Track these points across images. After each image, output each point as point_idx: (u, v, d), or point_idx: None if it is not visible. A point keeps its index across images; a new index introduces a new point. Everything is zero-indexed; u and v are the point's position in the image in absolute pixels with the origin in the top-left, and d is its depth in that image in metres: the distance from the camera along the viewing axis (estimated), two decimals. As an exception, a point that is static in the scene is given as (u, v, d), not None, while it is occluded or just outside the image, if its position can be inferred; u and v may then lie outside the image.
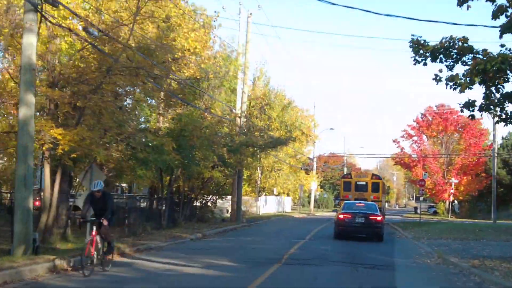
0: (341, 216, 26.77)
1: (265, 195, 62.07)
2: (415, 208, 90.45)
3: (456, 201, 75.34)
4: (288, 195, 72.46)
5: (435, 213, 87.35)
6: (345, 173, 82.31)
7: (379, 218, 26.39)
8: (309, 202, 78.72)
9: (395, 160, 77.96)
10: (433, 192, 72.13)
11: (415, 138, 74.99)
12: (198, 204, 38.27)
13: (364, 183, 45.11)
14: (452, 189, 66.07)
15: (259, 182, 59.20)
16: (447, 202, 75.09)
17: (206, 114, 35.23)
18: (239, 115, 35.82)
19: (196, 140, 27.78)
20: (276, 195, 65.18)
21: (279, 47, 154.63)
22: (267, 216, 53.08)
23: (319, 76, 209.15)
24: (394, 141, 75.28)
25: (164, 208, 30.73)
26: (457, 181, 66.72)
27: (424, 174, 47.34)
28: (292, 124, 55.79)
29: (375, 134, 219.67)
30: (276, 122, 45.88)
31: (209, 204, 39.70)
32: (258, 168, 58.03)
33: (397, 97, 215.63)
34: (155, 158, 25.16)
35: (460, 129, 72.91)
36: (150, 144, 25.11)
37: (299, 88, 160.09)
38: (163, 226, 30.09)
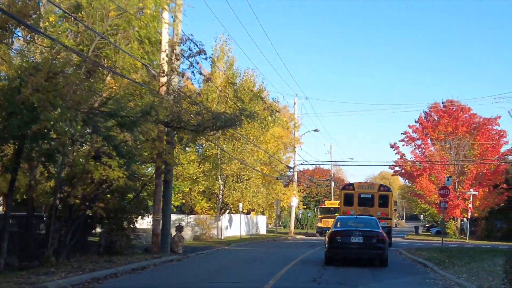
0: (333, 235, 21.30)
1: (230, 213, 47.63)
2: (416, 228, 76.32)
3: (465, 219, 61.19)
4: (262, 213, 58.08)
5: (438, 233, 73.86)
6: (330, 186, 70.62)
7: (381, 237, 21.11)
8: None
9: (394, 170, 63.36)
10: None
11: (418, 142, 60.97)
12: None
13: (369, 195, 37.33)
14: (470, 203, 51.97)
15: (221, 196, 44.85)
16: (459, 220, 61.20)
17: (108, 78, 21.61)
18: (160, 73, 21.61)
19: (32, 96, 13.48)
20: (246, 213, 50.64)
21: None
22: (227, 241, 38.73)
23: (300, 67, 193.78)
24: (392, 146, 61.16)
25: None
26: (476, 193, 52.64)
27: (448, 179, 33.49)
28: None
29: (367, 143, 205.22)
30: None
31: (124, 225, 25.48)
32: (219, 177, 43.80)
33: (394, 98, 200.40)
34: None
35: (473, 131, 58.97)
36: None
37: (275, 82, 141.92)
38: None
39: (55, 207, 20.97)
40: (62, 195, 21.28)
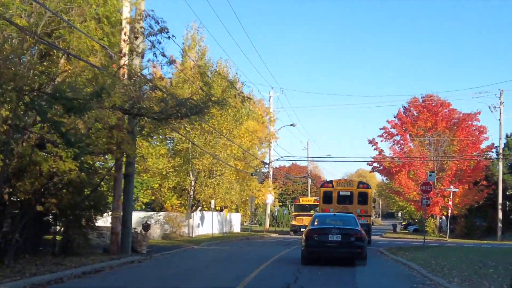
0: (310, 234, 20.39)
1: (202, 210, 45.50)
2: (394, 226, 75.02)
3: (444, 217, 59.86)
4: (237, 210, 56.08)
5: (416, 231, 72.83)
6: (306, 183, 69.23)
7: (360, 235, 20.23)
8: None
9: (373, 166, 61.58)
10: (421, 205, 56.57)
11: (397, 137, 59.36)
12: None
13: (348, 193, 37.12)
14: (450, 200, 50.44)
15: (192, 193, 42.73)
16: (438, 218, 59.85)
17: (62, 61, 19.51)
18: (118, 54, 19.48)
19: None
20: (219, 211, 48.60)
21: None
22: (198, 240, 36.67)
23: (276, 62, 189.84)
24: (370, 142, 59.69)
25: None
26: (456, 190, 51.14)
27: (430, 174, 31.77)
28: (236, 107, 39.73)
29: (345, 140, 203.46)
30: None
31: (82, 223, 23.33)
32: (191, 172, 41.75)
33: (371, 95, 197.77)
34: None
35: (453, 127, 57.56)
36: None
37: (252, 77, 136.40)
38: None
39: (3, 202, 18.89)
40: (10, 189, 19.17)
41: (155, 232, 36.58)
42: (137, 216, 39.82)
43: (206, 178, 42.49)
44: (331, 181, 39.76)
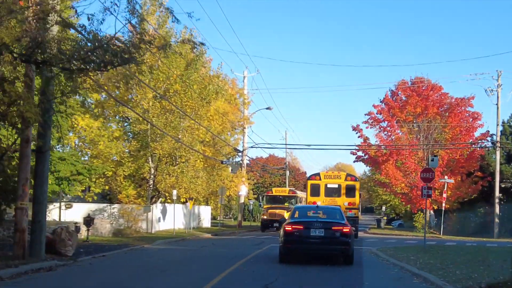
0: (289, 228, 17.98)
1: (165, 202, 39.67)
2: (378, 221, 69.77)
3: (432, 212, 54.64)
4: (207, 203, 50.39)
5: (401, 226, 67.88)
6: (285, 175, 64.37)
7: (346, 229, 17.85)
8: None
9: (356, 155, 55.85)
10: (409, 198, 51.50)
11: (384, 124, 53.77)
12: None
13: (336, 185, 37.20)
14: (444, 192, 45.22)
15: (151, 182, 36.90)
16: (428, 212, 54.56)
17: None
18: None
19: None
20: (183, 203, 42.74)
21: None
22: (155, 237, 30.93)
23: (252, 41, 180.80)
24: (354, 129, 54.04)
25: None
26: (451, 181, 45.94)
27: (433, 159, 26.48)
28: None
29: (325, 130, 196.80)
30: None
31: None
32: (150, 158, 35.98)
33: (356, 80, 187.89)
34: None
35: (444, 112, 52.26)
36: None
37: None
38: None
39: None
40: None
41: (104, 227, 30.81)
42: (87, 209, 34.18)
43: (168, 165, 36.68)
44: (318, 174, 39.57)
